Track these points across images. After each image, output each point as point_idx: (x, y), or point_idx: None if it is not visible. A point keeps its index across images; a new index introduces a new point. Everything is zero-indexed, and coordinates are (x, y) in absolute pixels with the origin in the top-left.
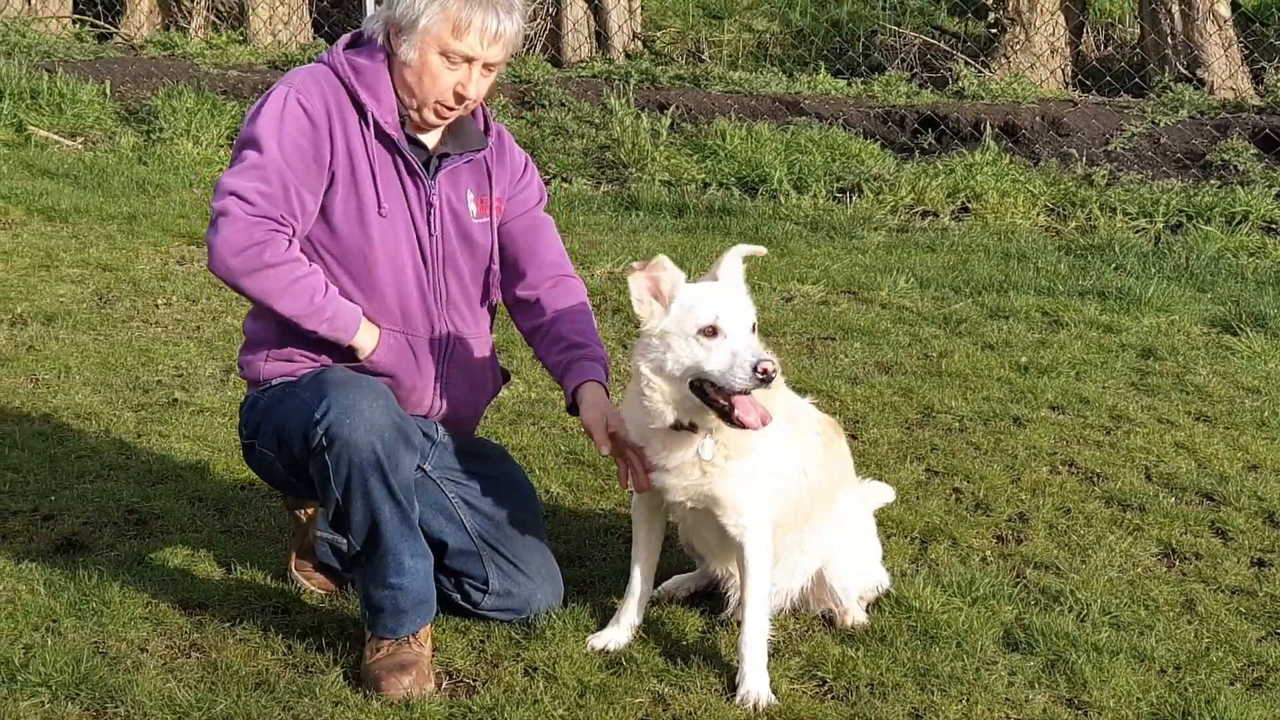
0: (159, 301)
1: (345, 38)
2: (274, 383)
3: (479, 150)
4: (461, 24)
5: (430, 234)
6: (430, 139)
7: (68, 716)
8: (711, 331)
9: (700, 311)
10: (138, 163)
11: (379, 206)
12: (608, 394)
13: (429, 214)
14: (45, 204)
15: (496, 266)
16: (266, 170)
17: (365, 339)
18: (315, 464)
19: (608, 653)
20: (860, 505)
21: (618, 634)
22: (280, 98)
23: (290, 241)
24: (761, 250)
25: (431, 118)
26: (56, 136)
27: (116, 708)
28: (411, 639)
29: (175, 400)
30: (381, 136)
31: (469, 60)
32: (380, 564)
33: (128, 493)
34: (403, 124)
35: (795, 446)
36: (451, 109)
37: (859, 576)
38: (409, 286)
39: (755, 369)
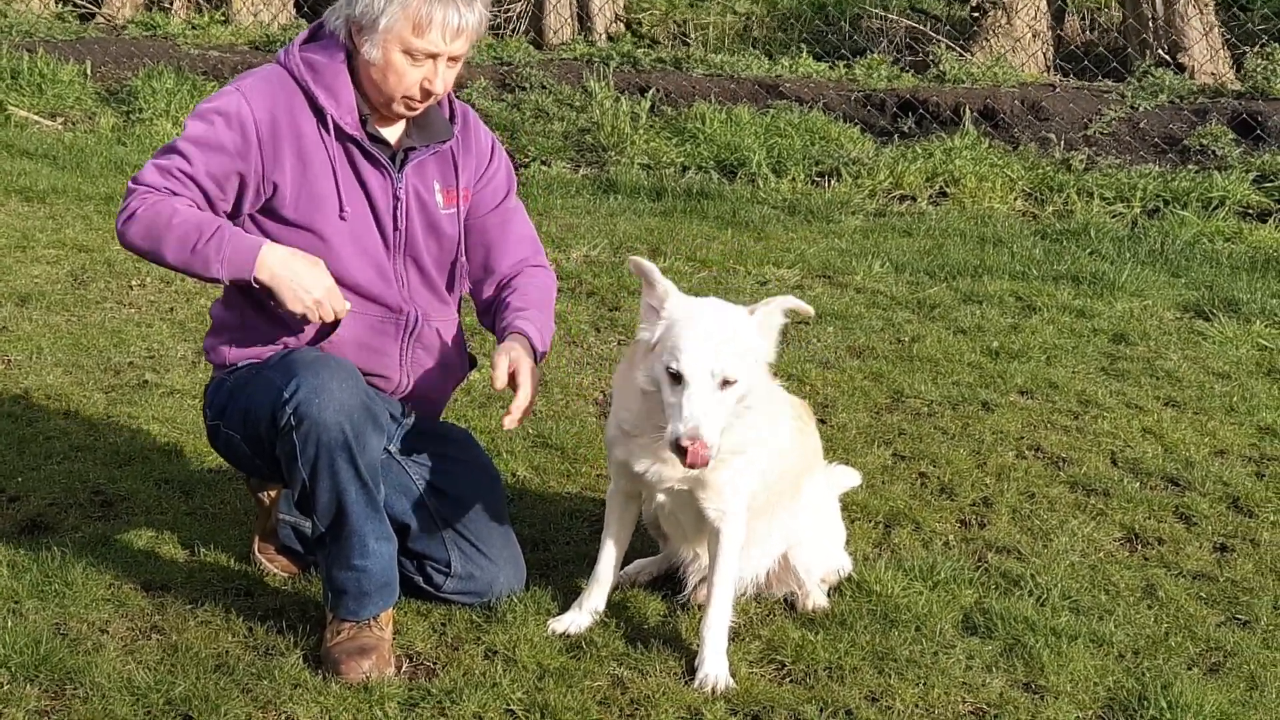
0: (133, 283)
1: (303, 33)
2: (240, 365)
3: (445, 141)
4: (423, 21)
5: (395, 228)
6: (394, 132)
7: (26, 698)
8: (675, 377)
9: (673, 350)
10: (117, 143)
11: (340, 210)
12: (536, 357)
13: (395, 207)
14: (23, 184)
15: (464, 259)
16: (174, 153)
17: (270, 269)
18: (283, 444)
19: (568, 636)
20: (826, 489)
21: (579, 618)
22: (222, 96)
23: (174, 195)
24: (808, 310)
25: (401, 110)
26: (36, 117)
27: (75, 689)
28: (373, 622)
29: (146, 382)
30: (342, 136)
31: (433, 56)
32: (345, 546)
33: (95, 474)
34: (364, 122)
35: (773, 434)
36: (419, 103)
37: (823, 559)
38: (372, 277)
39: (677, 443)
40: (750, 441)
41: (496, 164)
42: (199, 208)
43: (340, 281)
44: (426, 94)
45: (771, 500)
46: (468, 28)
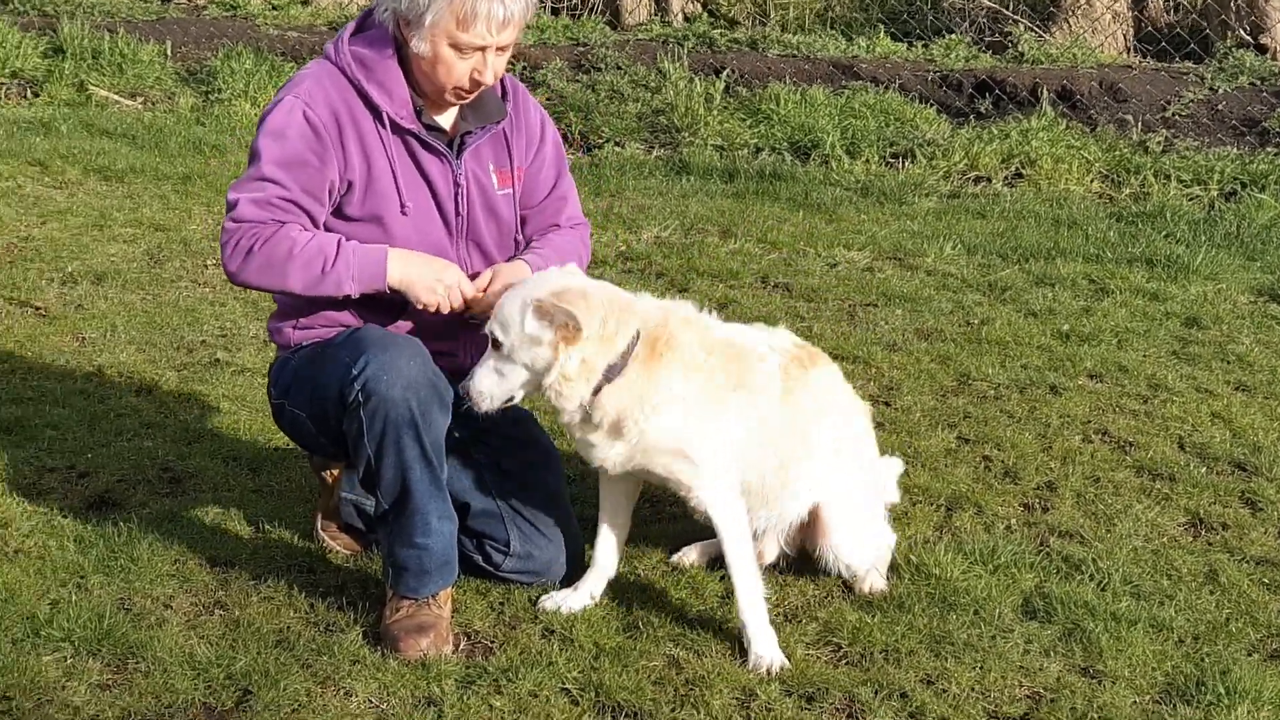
0: (208, 262)
1: (351, 24)
2: (303, 345)
3: (499, 121)
4: (468, 16)
5: (457, 213)
6: (449, 117)
7: (88, 671)
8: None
9: None
10: (196, 123)
11: (401, 206)
12: None
13: (456, 194)
14: (102, 163)
15: (521, 238)
16: (265, 181)
17: (400, 271)
18: (350, 421)
19: (559, 613)
20: (856, 430)
21: (572, 599)
22: (285, 109)
23: (281, 225)
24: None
25: (452, 100)
26: (116, 96)
27: (137, 663)
28: (432, 600)
29: (217, 360)
30: (399, 130)
31: (481, 49)
32: (408, 523)
33: (164, 451)
34: (419, 112)
35: (740, 407)
36: (469, 93)
37: (859, 519)
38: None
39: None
40: (660, 401)
41: (546, 142)
42: (306, 229)
43: None
44: (476, 84)
45: (772, 466)
46: (514, 18)
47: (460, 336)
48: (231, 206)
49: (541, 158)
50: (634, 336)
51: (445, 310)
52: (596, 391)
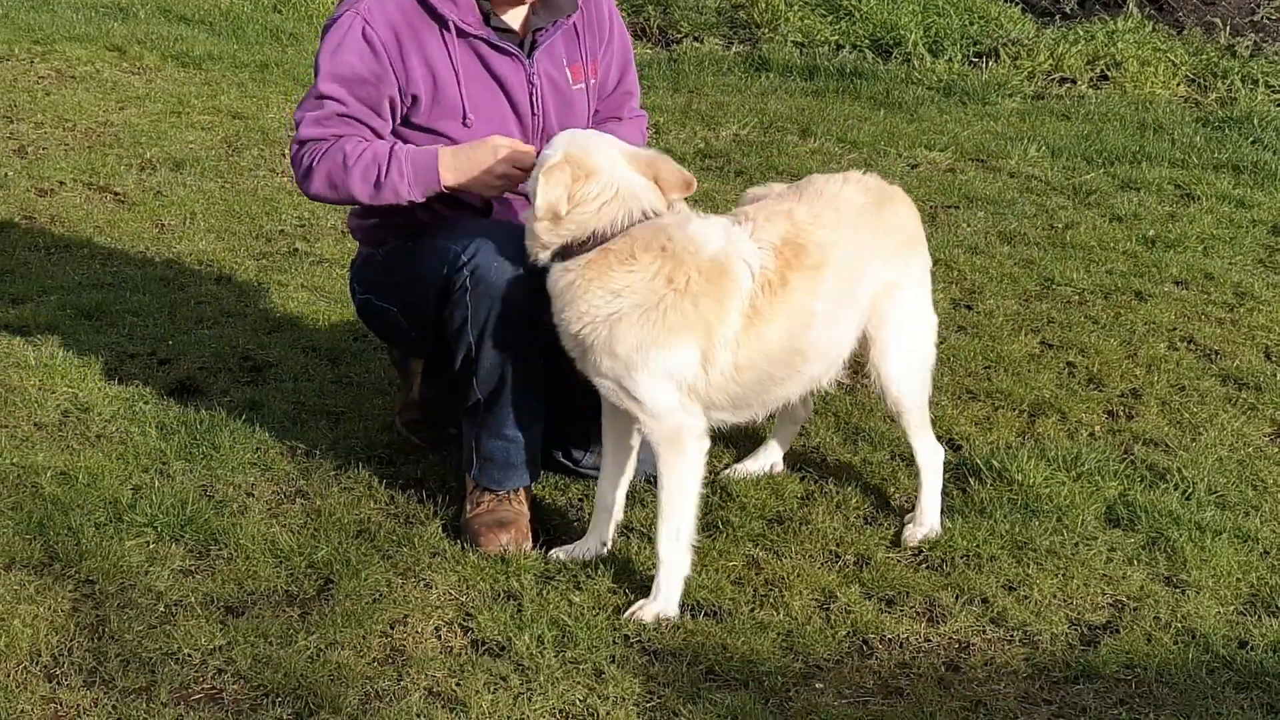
0: (287, 151)
1: None
2: (387, 240)
3: (570, 15)
4: None
5: (534, 113)
6: (518, 15)
7: (171, 557)
8: None
9: None
10: (273, 10)
11: (464, 118)
12: None
13: (531, 93)
14: (179, 50)
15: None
16: (323, 98)
17: (453, 176)
18: (454, 307)
19: (574, 562)
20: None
21: (583, 547)
22: (344, 26)
23: (339, 138)
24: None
25: None
26: None
27: (220, 550)
28: (512, 495)
29: (296, 250)
30: (465, 36)
31: None
32: (500, 414)
33: (244, 340)
34: (487, 17)
35: (700, 314)
36: None
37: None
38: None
39: None
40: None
41: (615, 35)
42: (368, 140)
43: None
44: None
45: (781, 362)
46: None
47: None
48: (296, 127)
49: (610, 50)
50: (603, 231)
51: (515, 187)
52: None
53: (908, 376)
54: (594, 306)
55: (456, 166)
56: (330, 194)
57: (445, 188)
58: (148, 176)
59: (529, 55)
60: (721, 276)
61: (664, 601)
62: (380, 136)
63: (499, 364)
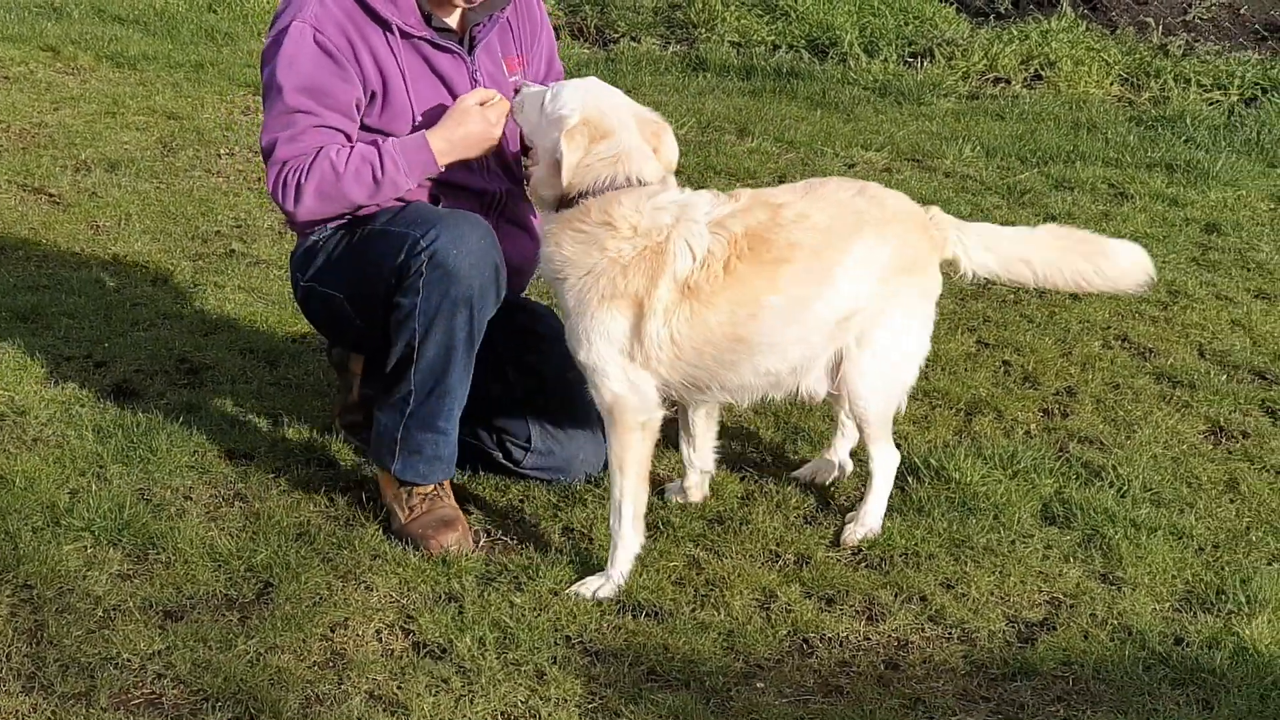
0: (221, 151)
1: None
2: (329, 228)
3: (504, 9)
4: None
5: None
6: (456, 16)
7: (109, 561)
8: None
9: None
10: (208, 10)
11: (413, 119)
12: None
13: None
14: (114, 50)
15: None
16: (294, 113)
17: (445, 151)
18: (405, 293)
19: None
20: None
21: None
22: (295, 37)
23: (319, 149)
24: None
25: (460, 1)
26: None
27: (158, 554)
28: (441, 490)
29: (233, 251)
30: (408, 37)
31: None
32: (435, 406)
33: (180, 342)
34: (428, 19)
35: (628, 284)
36: None
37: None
38: (456, 167)
39: None
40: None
41: (542, 26)
42: (345, 145)
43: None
44: None
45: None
46: None
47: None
48: (268, 152)
49: (540, 41)
50: (585, 190)
51: (498, 136)
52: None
53: (874, 398)
54: (553, 264)
55: (448, 140)
56: (325, 207)
57: (443, 167)
58: (83, 178)
59: (470, 52)
60: (655, 253)
61: (605, 578)
62: (352, 141)
63: (443, 352)
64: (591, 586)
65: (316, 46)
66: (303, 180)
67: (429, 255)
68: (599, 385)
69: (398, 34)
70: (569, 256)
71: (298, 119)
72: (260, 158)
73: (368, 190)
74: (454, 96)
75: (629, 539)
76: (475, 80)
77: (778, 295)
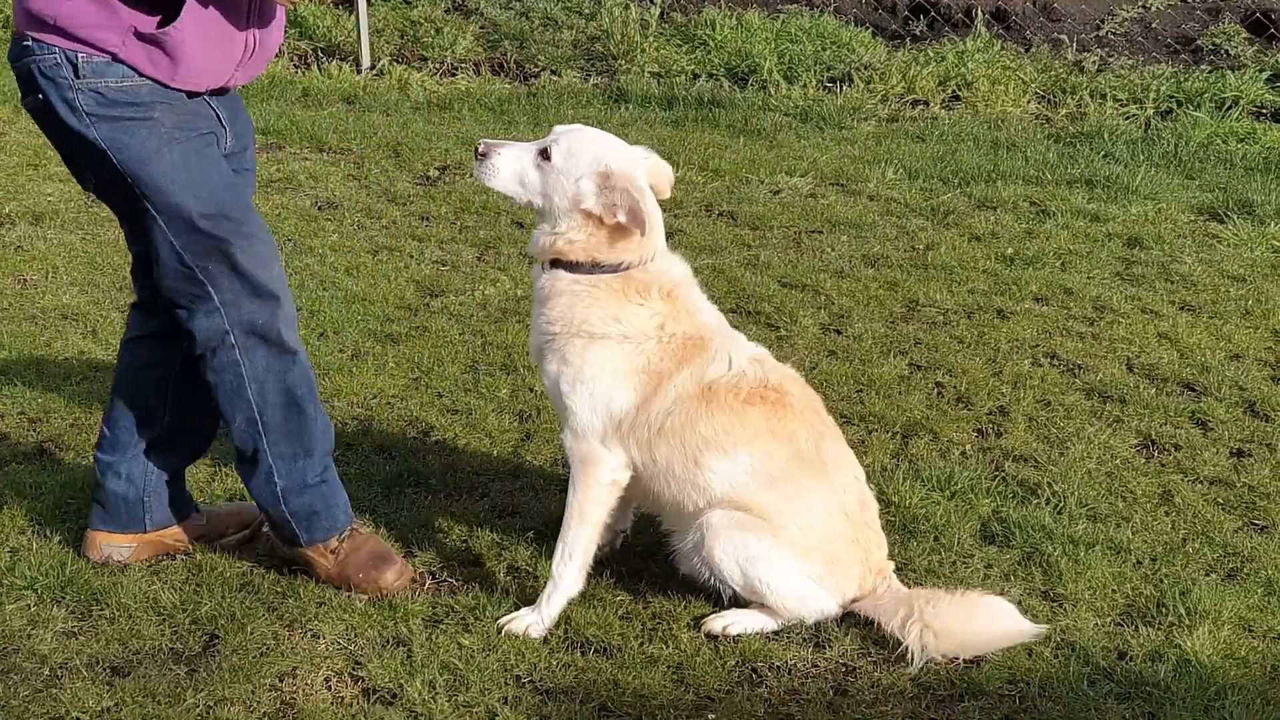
0: None
1: None
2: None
3: None
4: None
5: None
6: None
7: (53, 619)
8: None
9: None
10: None
11: None
12: None
13: None
14: None
15: None
16: None
17: None
18: (221, 372)
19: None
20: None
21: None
22: None
23: None
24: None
25: None
26: None
27: (102, 610)
28: (355, 527)
29: None
30: None
31: None
32: (301, 466)
33: None
34: None
35: (619, 358)
36: None
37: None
38: None
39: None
40: (572, 322)
41: None
42: None
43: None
44: None
45: (655, 438)
46: None
47: (245, 15)
48: None
49: None
50: (625, 264)
51: None
52: (564, 266)
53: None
54: (589, 321)
55: None
56: None
57: None
58: (7, 231)
59: None
60: (698, 348)
61: (537, 616)
62: None
63: (283, 414)
64: (524, 623)
65: None
66: None
67: (238, 327)
68: (580, 437)
69: None
70: (622, 321)
71: None
72: None
73: None
74: None
75: (569, 585)
76: None
77: (754, 456)
